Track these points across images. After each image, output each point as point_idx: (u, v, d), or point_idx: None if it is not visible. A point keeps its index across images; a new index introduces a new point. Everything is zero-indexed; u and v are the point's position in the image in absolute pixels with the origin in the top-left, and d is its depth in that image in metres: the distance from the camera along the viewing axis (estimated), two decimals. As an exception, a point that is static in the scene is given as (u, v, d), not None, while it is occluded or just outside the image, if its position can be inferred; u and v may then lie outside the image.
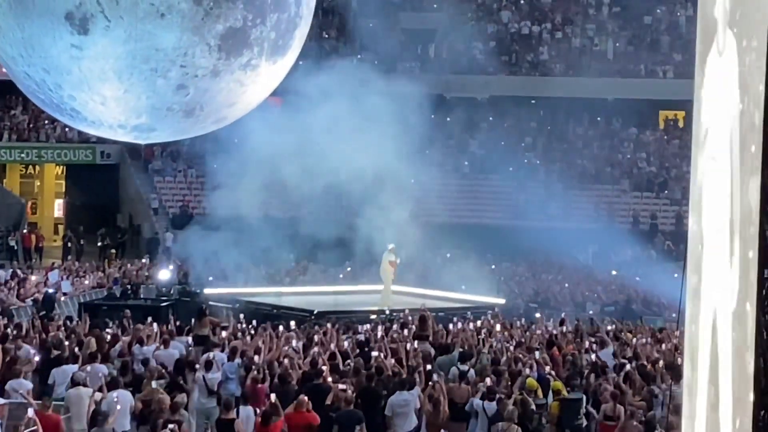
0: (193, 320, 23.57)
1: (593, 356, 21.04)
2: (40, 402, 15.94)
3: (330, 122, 32.27)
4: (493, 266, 38.84)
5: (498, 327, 24.96)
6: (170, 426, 14.69)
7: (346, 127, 32.25)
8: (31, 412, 15.02)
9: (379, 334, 22.80)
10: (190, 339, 21.55)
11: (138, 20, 7.94)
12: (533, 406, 16.77)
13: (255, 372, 18.35)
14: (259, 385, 17.69)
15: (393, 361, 19.20)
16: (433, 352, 21.21)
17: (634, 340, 22.98)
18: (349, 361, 19.66)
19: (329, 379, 17.54)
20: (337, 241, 34.80)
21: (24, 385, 17.35)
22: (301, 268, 38.04)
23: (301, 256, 38.27)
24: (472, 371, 19.15)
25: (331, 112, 32.36)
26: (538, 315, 30.37)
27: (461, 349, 21.18)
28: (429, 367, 19.18)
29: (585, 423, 17.45)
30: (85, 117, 8.65)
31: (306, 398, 16.15)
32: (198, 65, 8.33)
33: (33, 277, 34.37)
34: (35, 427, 14.75)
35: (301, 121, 32.01)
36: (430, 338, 22.64)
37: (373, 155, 31.75)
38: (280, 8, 8.52)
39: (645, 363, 20.00)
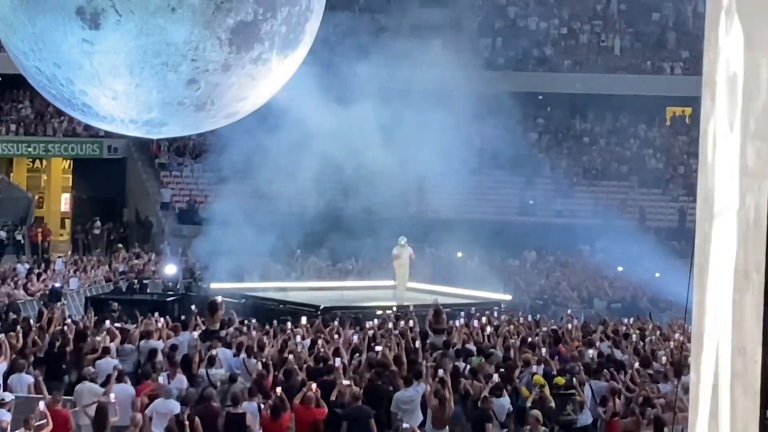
0: (205, 314, 23.43)
1: (594, 353, 21.03)
2: (49, 396, 15.95)
3: (334, 116, 32.22)
4: (500, 262, 38.82)
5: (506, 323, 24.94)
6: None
7: (351, 122, 32.21)
8: (42, 405, 15.05)
9: (387, 328, 22.77)
10: (195, 334, 21.46)
11: (149, 14, 7.96)
12: (552, 403, 16.70)
13: (261, 367, 18.35)
14: (265, 380, 17.68)
15: (399, 355, 19.19)
16: (447, 345, 21.21)
17: (635, 337, 22.94)
18: (357, 355, 19.67)
19: (342, 374, 17.53)
20: (343, 235, 34.79)
21: (24, 379, 17.39)
22: (308, 263, 38.02)
23: (308, 251, 38.25)
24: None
25: (335, 106, 32.32)
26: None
27: (466, 346, 21.18)
28: (435, 361, 19.16)
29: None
30: (96, 112, 8.66)
31: (313, 393, 16.15)
32: (209, 59, 8.32)
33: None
34: (44, 421, 14.78)
35: (304, 115, 31.95)
36: (446, 332, 22.60)
37: (380, 150, 31.72)
38: (290, 2, 8.53)
39: (653, 360, 20.00)
